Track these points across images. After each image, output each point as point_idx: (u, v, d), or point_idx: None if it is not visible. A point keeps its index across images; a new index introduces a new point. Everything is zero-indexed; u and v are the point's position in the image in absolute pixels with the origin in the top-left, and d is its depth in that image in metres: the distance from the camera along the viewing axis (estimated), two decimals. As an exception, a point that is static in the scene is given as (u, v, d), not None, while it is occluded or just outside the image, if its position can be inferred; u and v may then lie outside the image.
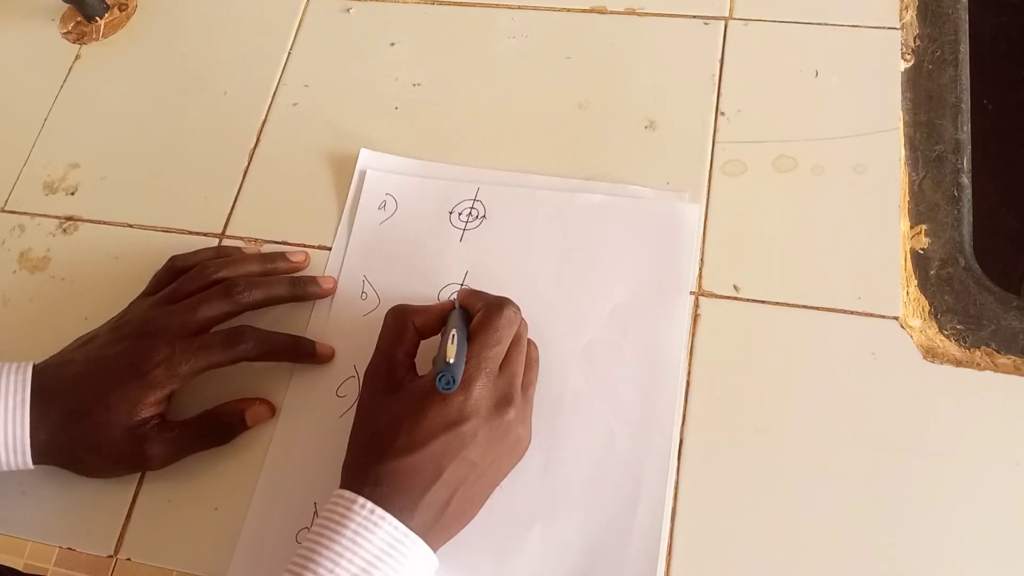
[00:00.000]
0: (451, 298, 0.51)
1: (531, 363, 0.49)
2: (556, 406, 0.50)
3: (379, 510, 0.42)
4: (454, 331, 0.45)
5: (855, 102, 0.56)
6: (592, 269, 0.53)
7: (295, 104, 0.63)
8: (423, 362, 0.48)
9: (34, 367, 0.49)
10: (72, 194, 0.63)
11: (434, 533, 0.43)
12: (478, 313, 0.47)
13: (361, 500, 0.42)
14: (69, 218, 0.62)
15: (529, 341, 0.50)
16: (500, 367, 0.46)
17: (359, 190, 0.58)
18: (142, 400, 0.48)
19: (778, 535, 0.46)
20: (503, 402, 0.45)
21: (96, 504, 0.52)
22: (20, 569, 0.50)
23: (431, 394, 0.44)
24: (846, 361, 0.49)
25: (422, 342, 0.49)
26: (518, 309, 0.48)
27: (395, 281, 0.55)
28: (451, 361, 0.43)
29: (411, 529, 0.42)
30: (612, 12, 0.62)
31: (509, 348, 0.47)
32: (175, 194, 0.61)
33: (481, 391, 0.44)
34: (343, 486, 0.44)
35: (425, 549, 0.43)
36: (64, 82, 0.68)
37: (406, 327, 0.48)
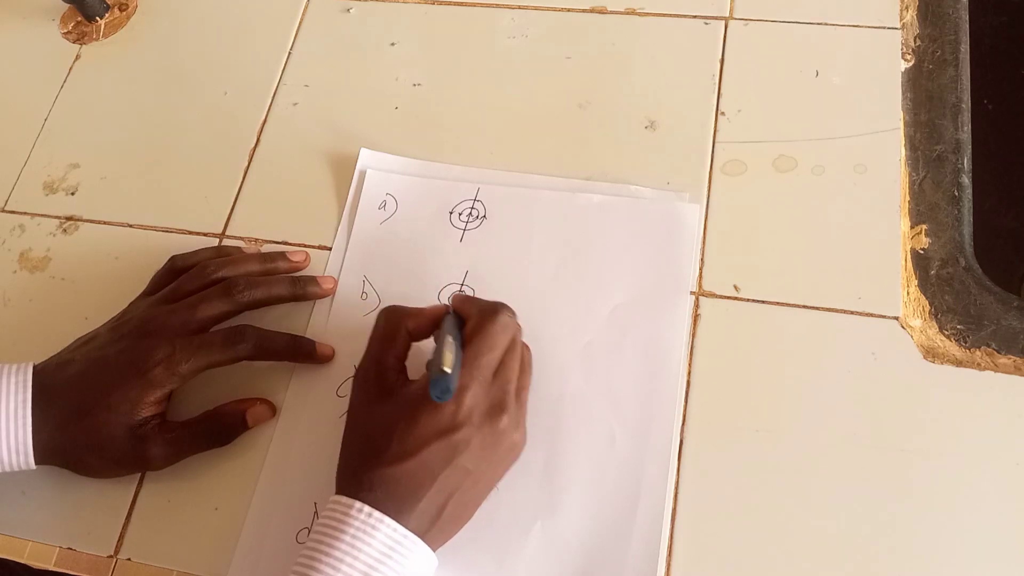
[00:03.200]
0: (445, 302, 0.50)
1: (524, 367, 0.48)
2: (556, 406, 0.50)
3: (376, 513, 0.42)
4: (449, 338, 0.45)
5: (855, 102, 0.56)
6: (592, 269, 0.53)
7: (295, 104, 0.63)
8: (412, 365, 0.48)
9: (34, 367, 0.49)
10: (72, 194, 0.63)
11: (431, 536, 0.43)
12: (472, 319, 0.47)
13: (358, 504, 0.42)
14: (69, 218, 0.62)
15: (522, 344, 0.49)
16: (494, 374, 0.45)
17: (359, 190, 0.58)
18: (142, 399, 0.48)
19: (778, 535, 0.46)
20: (496, 409, 0.44)
21: (96, 504, 0.52)
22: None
23: (423, 401, 0.43)
24: (846, 361, 0.49)
25: (413, 344, 0.49)
26: (514, 314, 0.47)
27: (395, 281, 0.55)
28: (448, 370, 0.42)
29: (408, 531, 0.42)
30: (612, 12, 0.62)
31: (504, 354, 0.46)
32: (175, 194, 0.61)
33: (474, 399, 0.44)
34: (338, 492, 0.44)
35: (425, 549, 0.43)
36: (64, 82, 0.68)
37: (398, 330, 0.48)
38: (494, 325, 0.46)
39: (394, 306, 0.49)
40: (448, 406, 0.43)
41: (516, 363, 0.47)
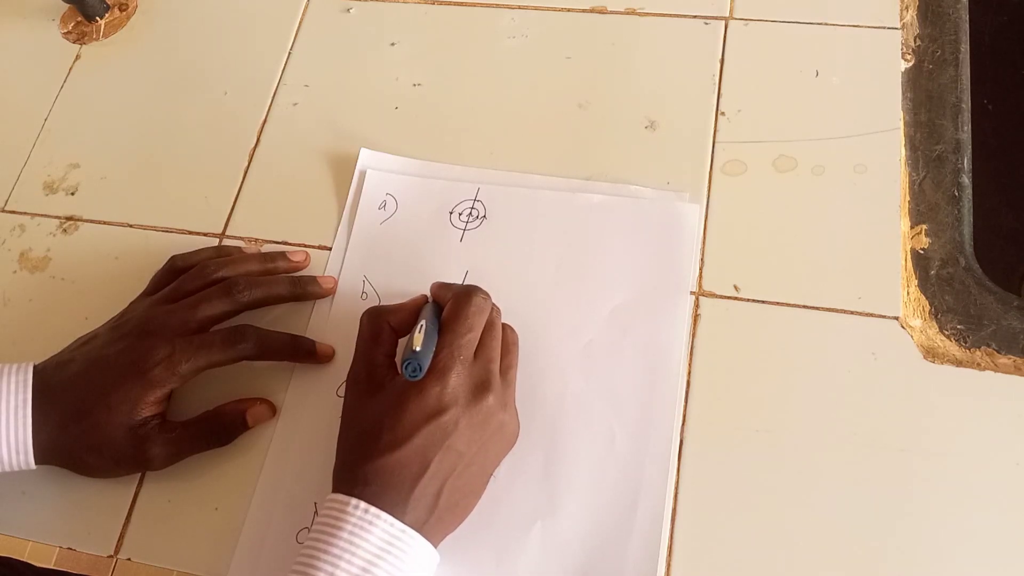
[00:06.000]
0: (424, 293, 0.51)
1: (508, 347, 0.49)
2: (556, 406, 0.50)
3: (373, 509, 0.42)
4: (423, 322, 0.46)
5: (855, 102, 0.56)
6: (592, 269, 0.53)
7: (295, 104, 0.63)
8: None
9: (34, 367, 0.49)
10: (72, 194, 0.63)
11: (430, 527, 0.44)
12: (447, 303, 0.48)
13: (354, 501, 0.42)
14: (69, 218, 0.62)
15: (506, 325, 0.50)
16: (475, 354, 0.46)
17: (359, 190, 0.58)
18: (142, 399, 0.48)
19: (778, 535, 0.46)
20: (481, 388, 0.45)
21: (96, 504, 0.52)
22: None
23: (409, 389, 0.44)
24: (846, 361, 0.49)
25: (401, 340, 0.49)
26: (487, 296, 0.48)
27: (395, 281, 0.55)
28: (417, 349, 0.44)
29: (406, 524, 0.42)
30: (612, 12, 0.62)
31: (483, 335, 0.47)
32: (175, 194, 0.61)
33: (457, 379, 0.44)
34: (335, 489, 0.44)
35: (423, 543, 0.43)
36: (64, 82, 0.68)
37: (382, 328, 0.48)
38: (468, 307, 0.47)
39: (375, 306, 0.50)
40: (433, 389, 0.44)
41: (496, 343, 0.48)
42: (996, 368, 0.48)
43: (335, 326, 0.54)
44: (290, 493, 0.50)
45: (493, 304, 0.49)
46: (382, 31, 0.65)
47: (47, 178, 0.64)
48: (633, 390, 0.50)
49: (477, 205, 0.57)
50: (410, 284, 0.54)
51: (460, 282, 0.54)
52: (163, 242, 0.59)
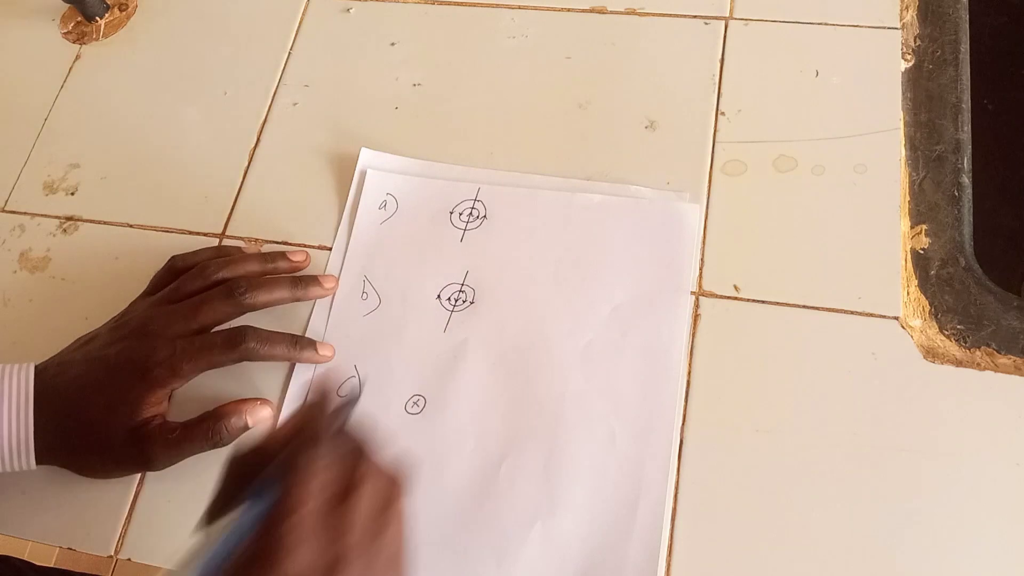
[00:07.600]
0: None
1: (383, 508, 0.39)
2: (556, 406, 0.50)
3: None
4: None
5: (855, 102, 0.56)
6: (592, 269, 0.53)
7: (295, 104, 0.63)
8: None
9: (35, 368, 0.49)
10: (72, 194, 0.63)
11: None
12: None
13: None
14: (69, 218, 0.62)
15: (384, 473, 0.40)
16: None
17: (359, 190, 0.58)
18: (143, 400, 0.48)
19: (778, 535, 0.46)
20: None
21: (96, 504, 0.52)
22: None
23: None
24: (846, 361, 0.49)
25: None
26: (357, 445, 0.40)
27: (396, 281, 0.55)
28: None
29: None
30: (612, 12, 0.62)
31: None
32: (175, 194, 0.61)
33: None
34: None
35: None
36: (64, 82, 0.68)
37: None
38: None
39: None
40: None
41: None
42: (996, 368, 0.48)
43: (335, 326, 0.54)
44: (290, 493, 0.50)
45: (363, 455, 0.40)
46: (382, 31, 0.65)
47: (47, 178, 0.64)
48: (633, 390, 0.50)
49: (477, 205, 0.57)
50: (411, 284, 0.55)
51: (460, 282, 0.54)
52: (163, 242, 0.59)
